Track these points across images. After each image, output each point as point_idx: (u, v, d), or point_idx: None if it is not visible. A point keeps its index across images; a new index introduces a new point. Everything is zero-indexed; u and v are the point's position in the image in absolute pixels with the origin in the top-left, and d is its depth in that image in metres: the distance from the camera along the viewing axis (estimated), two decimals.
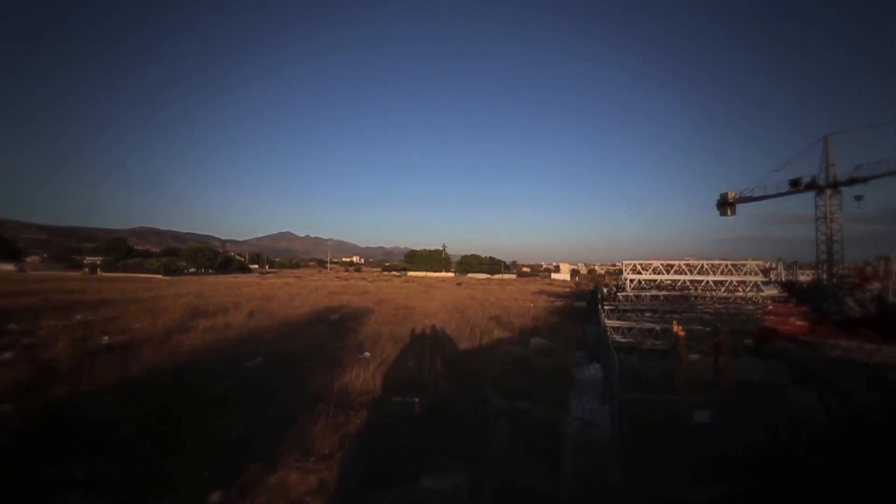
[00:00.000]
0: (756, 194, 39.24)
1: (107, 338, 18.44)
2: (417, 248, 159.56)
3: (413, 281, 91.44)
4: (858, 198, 33.96)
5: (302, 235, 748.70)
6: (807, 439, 10.30)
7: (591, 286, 67.50)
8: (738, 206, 41.00)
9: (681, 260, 25.11)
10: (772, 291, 35.00)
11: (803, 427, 10.81)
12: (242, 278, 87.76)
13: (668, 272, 24.33)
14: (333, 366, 14.92)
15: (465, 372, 15.43)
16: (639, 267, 24.97)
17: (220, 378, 12.96)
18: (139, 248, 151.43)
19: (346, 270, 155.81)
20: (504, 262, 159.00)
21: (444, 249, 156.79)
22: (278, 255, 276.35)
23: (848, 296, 35.40)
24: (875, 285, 35.95)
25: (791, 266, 70.67)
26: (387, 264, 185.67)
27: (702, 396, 9.62)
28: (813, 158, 35.22)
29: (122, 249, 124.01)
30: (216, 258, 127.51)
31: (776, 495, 7.75)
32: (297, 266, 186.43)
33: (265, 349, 17.35)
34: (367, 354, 17.08)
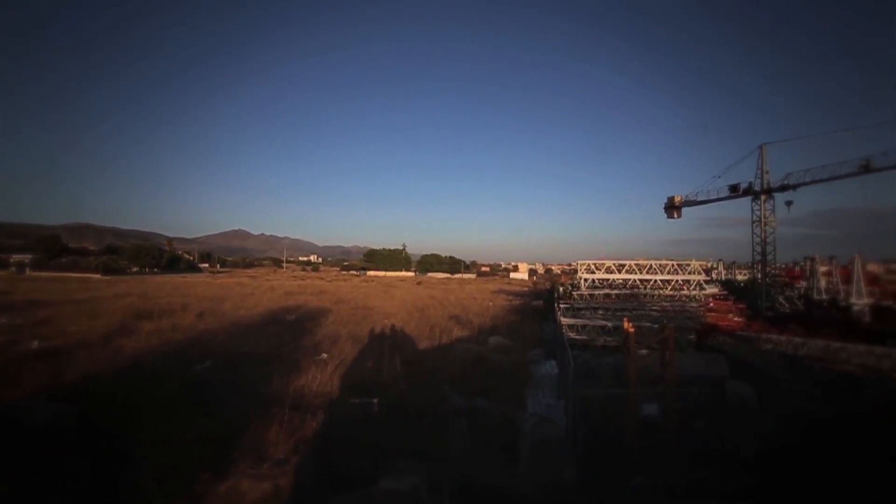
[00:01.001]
0: (700, 198, 41.79)
1: (37, 342, 17.02)
2: (377, 247, 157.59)
3: (372, 280, 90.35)
4: (788, 203, 36.89)
5: (256, 234, 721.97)
6: (742, 427, 11.08)
7: (547, 285, 69.27)
8: (684, 210, 43.50)
9: (631, 260, 26.27)
10: (713, 290, 37.35)
11: (739, 416, 11.63)
12: (191, 278, 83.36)
13: (619, 272, 25.39)
14: (289, 368, 14.50)
15: (425, 371, 15.45)
16: (592, 267, 25.90)
17: (167, 383, 12.27)
18: (74, 245, 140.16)
19: (304, 270, 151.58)
20: (464, 262, 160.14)
21: (404, 249, 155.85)
22: (231, 254, 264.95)
23: (779, 293, 38.38)
24: (802, 284, 39.17)
25: (730, 266, 75.75)
26: (345, 263, 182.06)
27: (649, 389, 10.11)
28: (751, 166, 37.88)
29: (54, 247, 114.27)
30: (162, 257, 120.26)
31: (716, 483, 8.28)
32: (251, 265, 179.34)
33: (216, 352, 16.60)
34: (325, 355, 16.73)
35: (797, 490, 7.57)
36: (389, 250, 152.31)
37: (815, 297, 33.91)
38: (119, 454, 8.00)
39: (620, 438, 9.44)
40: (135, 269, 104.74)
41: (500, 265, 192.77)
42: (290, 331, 22.44)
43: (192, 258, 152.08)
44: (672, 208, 43.75)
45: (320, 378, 13.41)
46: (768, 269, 38.18)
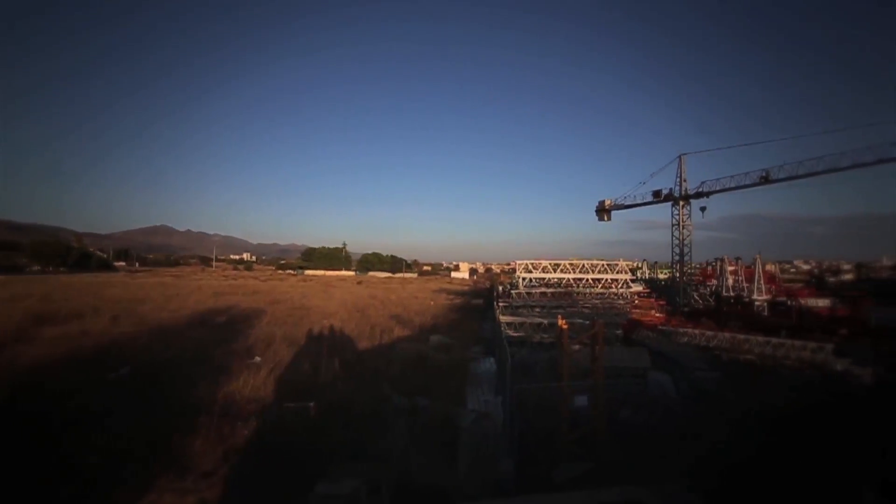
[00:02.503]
0: (627, 203, 44.83)
1: None
2: (316, 245, 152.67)
3: (311, 280, 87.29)
4: (703, 209, 40.65)
5: (182, 230, 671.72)
6: (661, 413, 12.04)
7: (487, 284, 70.90)
8: (613, 213, 46.44)
9: (566, 260, 27.54)
10: (638, 288, 40.13)
11: (659, 403, 12.62)
12: (105, 278, 75.57)
13: (555, 271, 26.54)
14: (218, 373, 13.66)
15: (365, 372, 15.23)
16: (530, 266, 26.84)
17: (76, 394, 11.09)
18: None
19: (235, 269, 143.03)
20: (405, 261, 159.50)
21: (344, 247, 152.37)
22: (152, 252, 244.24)
23: (694, 291, 42.12)
24: (713, 282, 43.18)
25: (653, 266, 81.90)
26: (282, 262, 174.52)
27: (580, 382, 10.68)
28: (672, 173, 41.22)
29: None
30: (69, 254, 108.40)
31: (635, 465, 8.92)
32: (175, 264, 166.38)
33: (136, 358, 15.25)
34: (258, 359, 15.96)
35: (711, 469, 8.35)
36: (329, 249, 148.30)
37: (724, 294, 37.55)
38: (18, 476, 7.12)
39: (554, 429, 9.89)
40: (36, 268, 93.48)
41: (441, 264, 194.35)
42: (220, 334, 21.12)
43: (105, 256, 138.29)
44: (603, 211, 46.57)
45: (253, 382, 12.78)
46: (685, 268, 41.75)
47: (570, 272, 26.56)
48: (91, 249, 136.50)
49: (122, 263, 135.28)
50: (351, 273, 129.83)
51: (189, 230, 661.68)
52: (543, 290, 26.83)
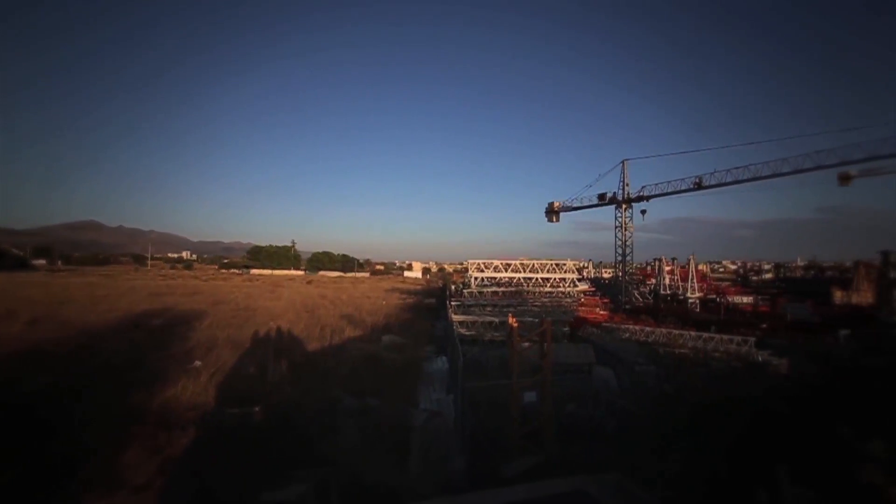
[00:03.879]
0: (575, 205, 46.67)
1: None
2: (263, 243, 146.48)
3: (257, 279, 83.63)
4: (643, 212, 43.08)
5: (113, 226, 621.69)
6: (604, 407, 12.64)
7: (440, 284, 71.24)
8: (562, 214, 48.18)
9: (517, 260, 28.24)
10: (584, 287, 41.88)
11: (602, 397, 13.24)
12: (21, 277, 68.47)
13: (506, 270, 27.11)
14: (153, 380, 12.81)
15: (315, 374, 14.85)
16: (482, 265, 27.26)
17: None
18: None
19: (174, 268, 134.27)
20: (357, 260, 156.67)
21: (293, 246, 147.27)
22: (79, 249, 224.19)
23: (635, 289, 44.58)
24: (652, 281, 45.93)
25: (598, 266, 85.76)
26: (225, 261, 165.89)
27: (530, 379, 10.99)
28: (617, 178, 43.37)
29: None
30: None
31: (580, 456, 9.33)
32: (105, 262, 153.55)
33: (58, 365, 13.97)
34: (198, 363, 15.14)
35: (648, 458, 8.86)
36: (277, 247, 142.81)
37: (662, 292, 40.01)
38: None
39: (505, 426, 10.13)
40: None
41: (394, 264, 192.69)
42: (156, 337, 19.78)
43: (21, 253, 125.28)
44: (552, 213, 48.21)
45: (192, 388, 12.12)
46: (627, 268, 44.03)
47: (520, 272, 27.23)
48: (4, 246, 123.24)
49: (43, 262, 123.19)
50: (300, 272, 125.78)
51: (122, 226, 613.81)
52: (495, 289, 27.35)
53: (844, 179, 33.65)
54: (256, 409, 10.40)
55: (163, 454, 8.42)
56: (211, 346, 18.02)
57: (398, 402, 12.23)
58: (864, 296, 36.63)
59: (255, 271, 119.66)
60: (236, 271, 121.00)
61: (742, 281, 68.22)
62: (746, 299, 38.89)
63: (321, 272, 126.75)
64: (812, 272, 69.30)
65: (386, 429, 10.15)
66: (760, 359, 18.79)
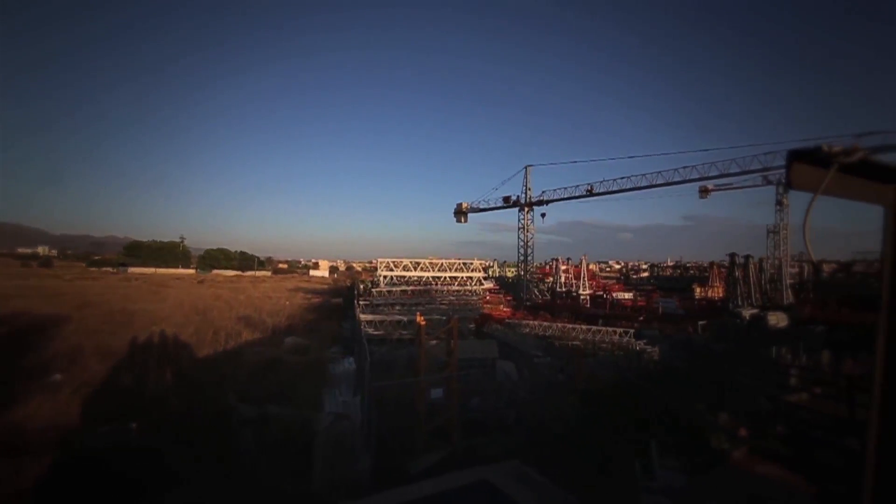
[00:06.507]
0: (482, 206, 48.56)
1: None
2: (144, 238, 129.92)
3: (137, 279, 73.93)
4: (543, 215, 46.20)
5: None
6: (507, 398, 13.37)
7: (348, 283, 69.42)
8: (470, 215, 49.83)
9: (426, 258, 28.58)
10: (489, 285, 43.72)
11: (504, 389, 13.99)
12: None
13: (415, 269, 27.30)
14: None
15: (206, 381, 13.61)
16: (391, 264, 27.13)
17: None
18: None
19: (25, 266, 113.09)
20: (258, 258, 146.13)
21: (181, 242, 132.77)
22: None
23: (535, 287, 47.71)
24: (550, 279, 49.53)
25: (503, 265, 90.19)
26: (96, 258, 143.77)
27: (437, 375, 11.23)
28: (521, 182, 45.98)
29: None
30: None
31: (485, 447, 9.77)
32: None
33: None
34: (58, 376, 13.04)
35: (544, 442, 9.56)
36: (161, 243, 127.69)
37: (558, 289, 43.36)
38: None
39: (412, 423, 10.22)
40: None
41: (299, 262, 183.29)
42: (1, 348, 16.59)
43: None
44: (460, 213, 49.68)
45: (50, 406, 10.39)
46: (528, 267, 46.95)
47: (429, 270, 27.61)
48: None
49: None
50: (191, 271, 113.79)
51: None
52: (404, 287, 27.40)
53: (704, 192, 40.08)
54: (133, 425, 9.24)
55: (8, 488, 7.11)
56: (75, 356, 15.59)
57: (302, 407, 11.72)
58: (716, 291, 43.27)
59: (134, 270, 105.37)
60: (110, 270, 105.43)
61: (624, 279, 76.46)
62: (628, 295, 43.78)
63: (215, 271, 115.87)
64: (679, 271, 79.78)
65: (289, 435, 9.67)
66: (638, 348, 21.27)
